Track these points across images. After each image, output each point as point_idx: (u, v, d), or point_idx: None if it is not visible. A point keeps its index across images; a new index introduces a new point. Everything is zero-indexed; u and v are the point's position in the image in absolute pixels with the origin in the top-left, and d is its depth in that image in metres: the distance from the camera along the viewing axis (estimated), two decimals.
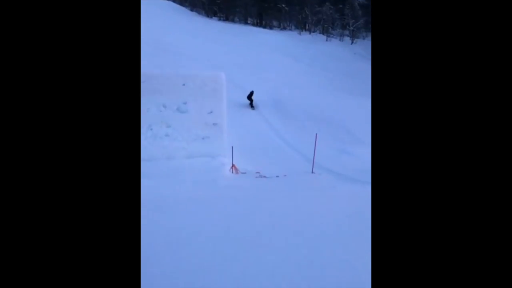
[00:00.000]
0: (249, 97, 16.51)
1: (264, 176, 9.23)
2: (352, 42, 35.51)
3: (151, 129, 9.66)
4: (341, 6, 39.05)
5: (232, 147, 9.52)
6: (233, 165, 9.54)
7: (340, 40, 36.12)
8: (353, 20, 37.24)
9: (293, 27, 40.67)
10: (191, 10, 43.41)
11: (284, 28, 40.50)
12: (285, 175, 9.40)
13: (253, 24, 41.69)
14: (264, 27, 40.42)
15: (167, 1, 42.09)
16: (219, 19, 41.49)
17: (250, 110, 16.16)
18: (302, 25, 39.62)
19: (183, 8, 42.41)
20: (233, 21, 41.66)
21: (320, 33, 37.82)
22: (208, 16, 41.83)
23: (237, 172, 9.48)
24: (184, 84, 10.57)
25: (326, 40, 34.81)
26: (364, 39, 36.85)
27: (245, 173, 9.48)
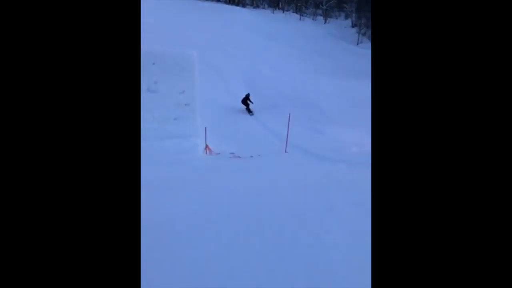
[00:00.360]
0: (245, 100, 13.92)
1: (238, 157, 9.23)
2: (325, 22, 35.47)
3: None
4: None
5: (206, 128, 9.40)
6: (206, 146, 9.46)
7: (313, 19, 35.98)
8: None
9: (266, 5, 39.99)
10: None
11: (257, 6, 39.76)
12: (259, 155, 9.44)
13: (226, 2, 40.63)
14: (237, 4, 39.48)
15: None
16: None
17: (225, 95, 15.77)
18: (275, 4, 39.02)
19: None
20: None
21: (293, 12, 37.45)
22: None
23: (211, 153, 9.42)
24: (154, 63, 10.22)
25: (300, 19, 34.57)
26: (337, 18, 36.88)
27: (219, 153, 9.43)
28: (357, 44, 28.83)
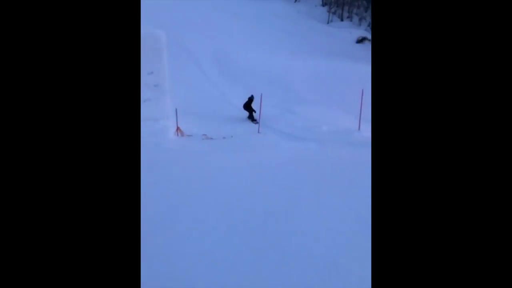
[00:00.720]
0: (248, 105, 11.23)
1: (211, 138, 9.17)
2: (295, 0, 35.12)
3: None
4: None
5: (176, 110, 9.23)
6: (177, 128, 9.32)
7: None
8: None
9: None
10: None
11: None
12: (231, 136, 9.43)
13: None
14: None
15: None
16: None
17: (196, 75, 15.36)
18: None
19: None
20: None
21: None
22: None
23: (182, 135, 9.30)
24: None
25: None
26: None
27: (191, 135, 9.33)
28: (328, 23, 28.86)
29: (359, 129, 10.36)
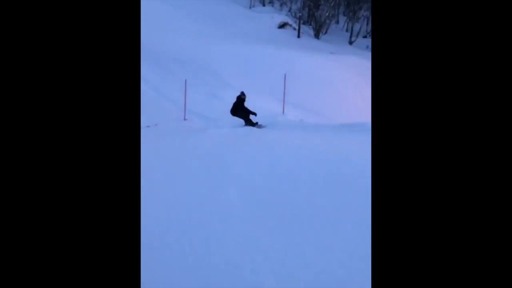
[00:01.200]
0: (238, 108, 8.48)
1: None
2: None
3: None
4: None
5: None
6: None
7: None
8: None
9: None
10: None
11: None
12: (156, 124, 9.15)
13: None
14: None
15: None
16: None
17: None
18: None
19: None
20: None
21: None
22: None
23: None
24: None
25: None
26: None
27: None
28: (250, 7, 29.06)
29: (283, 112, 10.82)
